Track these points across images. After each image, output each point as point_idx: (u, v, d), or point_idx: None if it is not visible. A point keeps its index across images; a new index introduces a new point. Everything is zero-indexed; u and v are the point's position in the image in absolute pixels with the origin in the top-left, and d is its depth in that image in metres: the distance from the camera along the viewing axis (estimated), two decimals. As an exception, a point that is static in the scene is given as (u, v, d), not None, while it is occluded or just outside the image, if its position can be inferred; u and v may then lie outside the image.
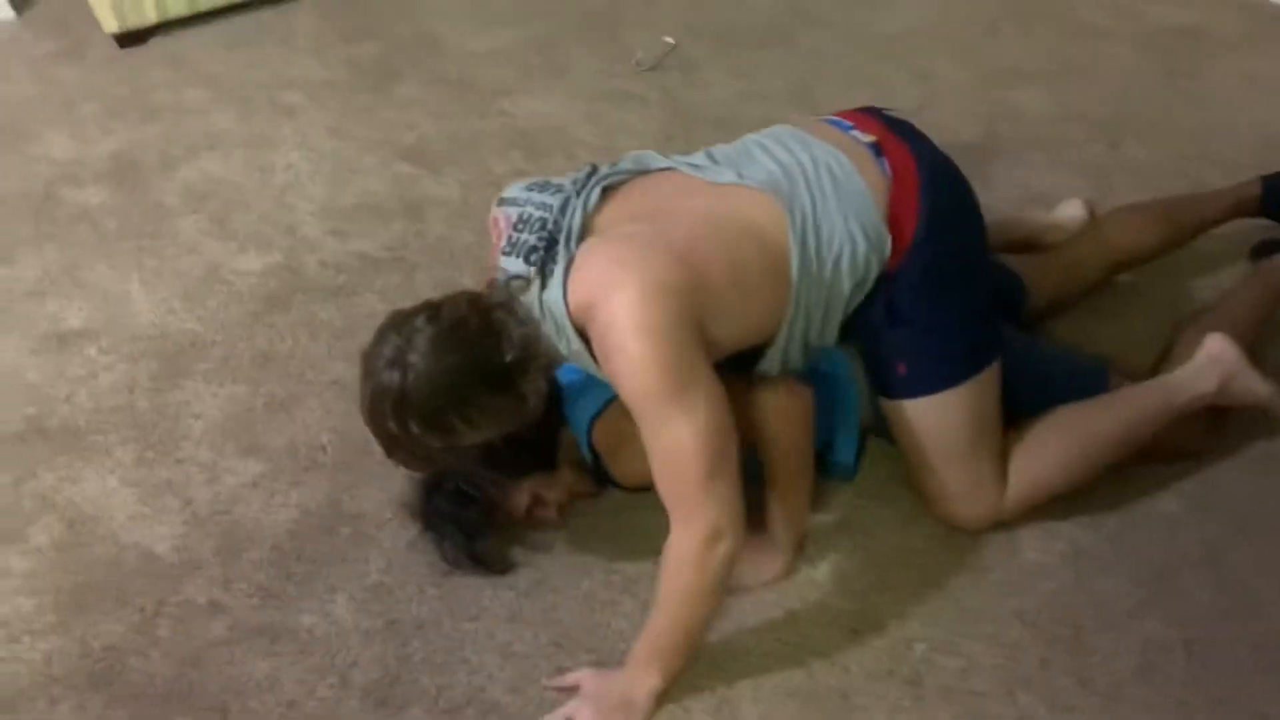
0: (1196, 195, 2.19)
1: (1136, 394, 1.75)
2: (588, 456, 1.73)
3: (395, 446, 1.51)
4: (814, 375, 1.69)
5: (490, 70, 2.94)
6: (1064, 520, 1.75)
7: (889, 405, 1.69)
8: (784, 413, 1.60)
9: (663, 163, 1.66)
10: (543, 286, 1.50)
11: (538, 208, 1.58)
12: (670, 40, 3.01)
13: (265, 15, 3.13)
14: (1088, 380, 1.79)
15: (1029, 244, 2.16)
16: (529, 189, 1.64)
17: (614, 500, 1.79)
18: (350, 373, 2.00)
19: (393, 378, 1.44)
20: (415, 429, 1.45)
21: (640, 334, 1.40)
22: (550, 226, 1.53)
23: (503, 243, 1.59)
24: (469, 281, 2.23)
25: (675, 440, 1.41)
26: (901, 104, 2.69)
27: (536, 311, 1.50)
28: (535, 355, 1.48)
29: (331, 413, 1.98)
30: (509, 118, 2.75)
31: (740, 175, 1.59)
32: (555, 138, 2.67)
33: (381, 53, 3.04)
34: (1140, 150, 2.59)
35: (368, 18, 3.20)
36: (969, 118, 2.72)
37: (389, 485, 1.83)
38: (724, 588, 1.49)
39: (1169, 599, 1.64)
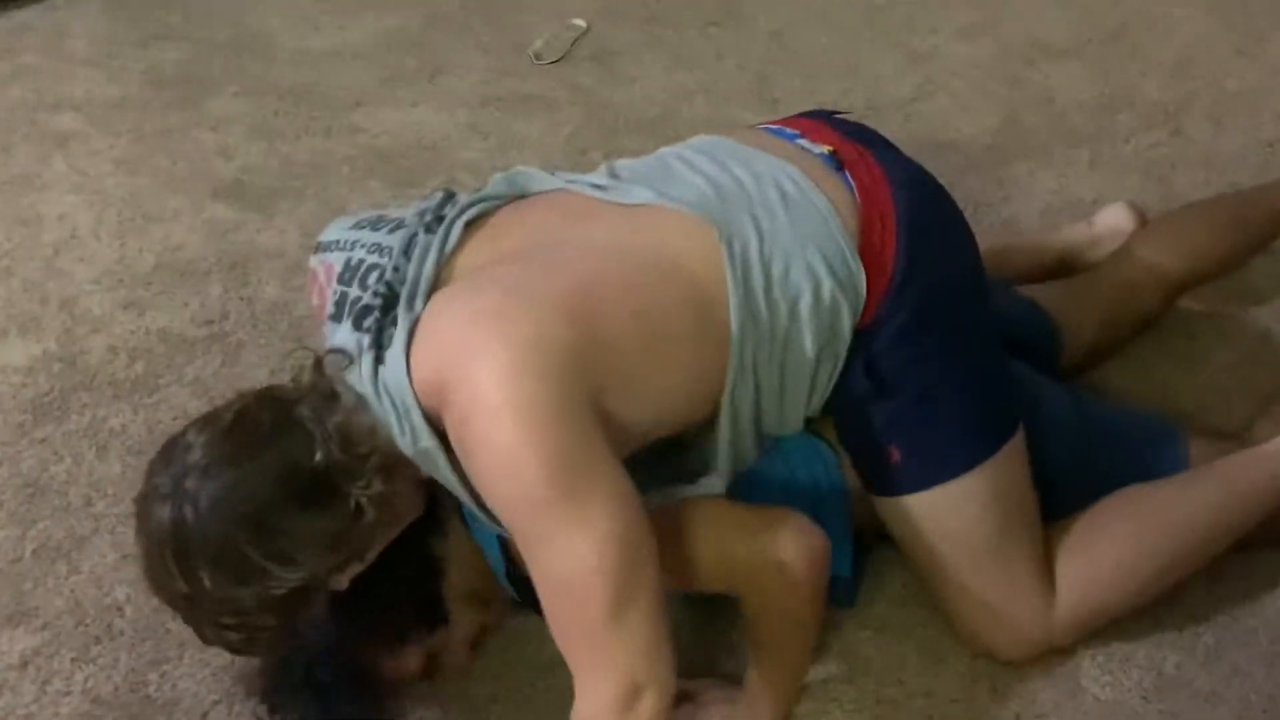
0: (1270, 186, 2.22)
1: (1228, 468, 1.75)
2: (500, 568, 1.68)
3: (198, 618, 1.46)
4: (786, 464, 1.67)
5: (338, 75, 2.95)
6: (1138, 640, 1.73)
7: (885, 505, 1.67)
8: (787, 567, 1.52)
9: (550, 183, 1.65)
10: (378, 361, 1.46)
11: (370, 251, 1.55)
12: (580, 23, 3.04)
13: (27, 14, 3.11)
14: (1156, 450, 1.79)
15: (1063, 267, 2.17)
16: (357, 226, 1.62)
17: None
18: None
19: (163, 515, 1.40)
20: (208, 580, 1.38)
21: (511, 417, 1.34)
22: (389, 277, 1.50)
23: (326, 304, 1.56)
24: (316, 362, 2.21)
25: (566, 564, 1.36)
26: (894, 94, 2.77)
27: (372, 398, 1.45)
28: (363, 451, 1.42)
29: (130, 558, 1.91)
30: (364, 135, 2.75)
31: (658, 194, 1.57)
32: (428, 159, 2.67)
33: (190, 58, 3.03)
34: (1208, 137, 2.63)
35: (171, 14, 3.20)
36: (983, 107, 2.75)
37: (213, 653, 1.77)
38: None
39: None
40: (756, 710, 1.64)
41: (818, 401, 1.61)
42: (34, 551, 1.95)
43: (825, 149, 1.64)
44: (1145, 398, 2.05)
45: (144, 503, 1.45)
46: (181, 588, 1.41)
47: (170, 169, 2.69)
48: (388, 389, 1.44)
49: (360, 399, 1.44)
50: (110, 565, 1.92)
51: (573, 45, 2.99)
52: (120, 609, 1.87)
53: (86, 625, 1.85)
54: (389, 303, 1.48)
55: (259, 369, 2.21)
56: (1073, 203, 2.36)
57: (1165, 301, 2.09)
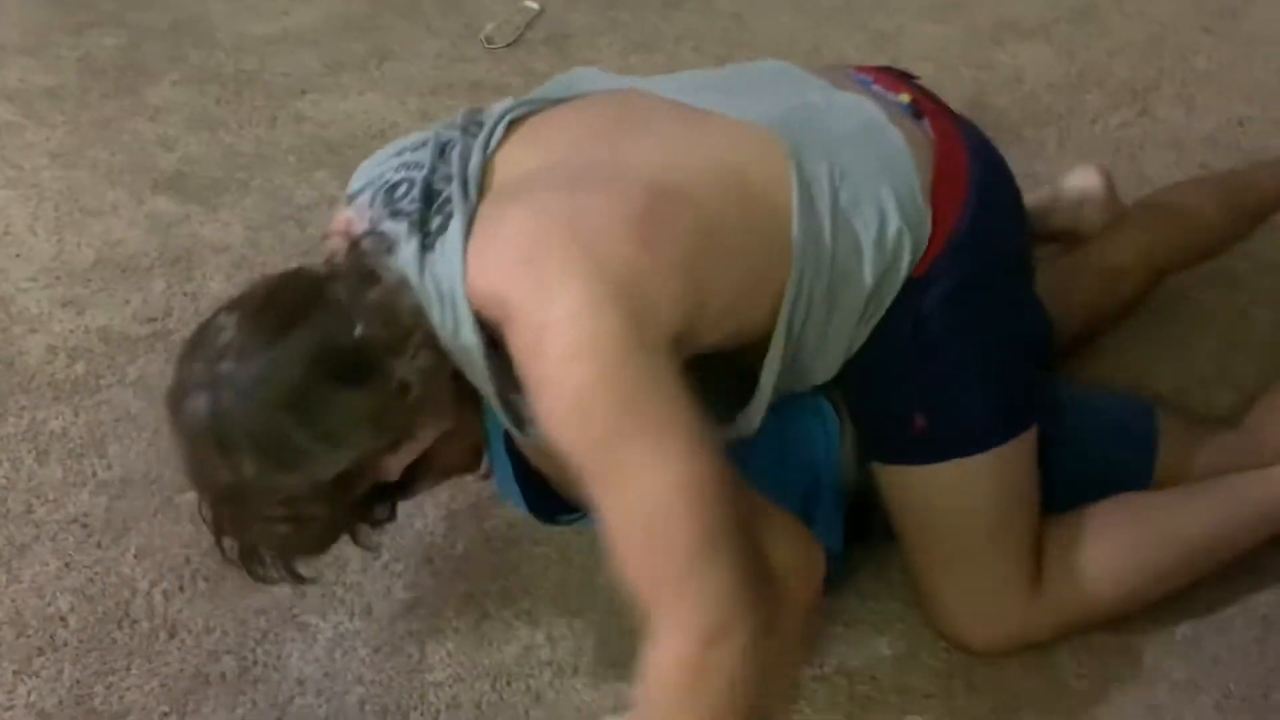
0: (1259, 166, 2.24)
1: (1234, 486, 1.75)
2: (497, 467, 1.65)
3: (246, 514, 1.41)
4: (785, 426, 1.65)
5: (282, 61, 2.93)
6: (1115, 631, 1.73)
7: (890, 474, 1.66)
8: (779, 582, 1.45)
9: (607, 83, 1.61)
10: (425, 248, 1.40)
11: (399, 170, 1.50)
12: (533, 5, 3.03)
13: (-48, 1, 3.09)
14: (1130, 423, 1.81)
15: (1065, 237, 2.16)
16: (378, 163, 1.56)
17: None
18: (96, 503, 1.97)
19: (200, 404, 1.34)
20: (253, 468, 1.33)
21: (589, 357, 1.32)
22: (426, 177, 1.45)
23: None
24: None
25: (646, 507, 1.33)
26: (856, 74, 2.76)
27: (416, 281, 1.39)
28: (405, 325, 1.37)
29: (73, 565, 1.90)
30: (310, 124, 2.74)
31: (727, 104, 1.52)
32: (377, 148, 2.59)
33: (127, 45, 3.01)
34: (1178, 117, 2.65)
35: (104, 1, 3.16)
36: (950, 87, 2.71)
37: (162, 663, 1.76)
38: (748, 696, 1.37)
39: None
40: None
41: (853, 349, 1.57)
42: (-29, 561, 1.93)
43: (904, 97, 1.63)
44: (1123, 384, 2.06)
45: (178, 394, 1.40)
46: (226, 478, 1.36)
47: (109, 161, 2.66)
48: (435, 276, 1.38)
49: (403, 280, 1.39)
50: (52, 574, 1.90)
51: (526, 28, 2.98)
52: (64, 619, 1.85)
53: (28, 636, 1.83)
54: (429, 197, 1.44)
55: (204, 367, 2.19)
56: (1042, 184, 2.37)
57: (1148, 285, 2.09)
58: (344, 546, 1.86)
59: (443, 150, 1.49)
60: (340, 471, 1.37)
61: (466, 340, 1.38)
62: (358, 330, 1.35)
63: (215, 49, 2.98)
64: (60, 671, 1.78)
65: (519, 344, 1.36)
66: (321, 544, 1.53)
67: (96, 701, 1.75)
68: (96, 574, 1.88)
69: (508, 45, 2.94)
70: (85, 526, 1.96)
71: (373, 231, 1.44)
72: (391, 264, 1.40)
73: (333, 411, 1.35)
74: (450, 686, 1.74)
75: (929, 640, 1.74)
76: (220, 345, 1.36)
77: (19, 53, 2.97)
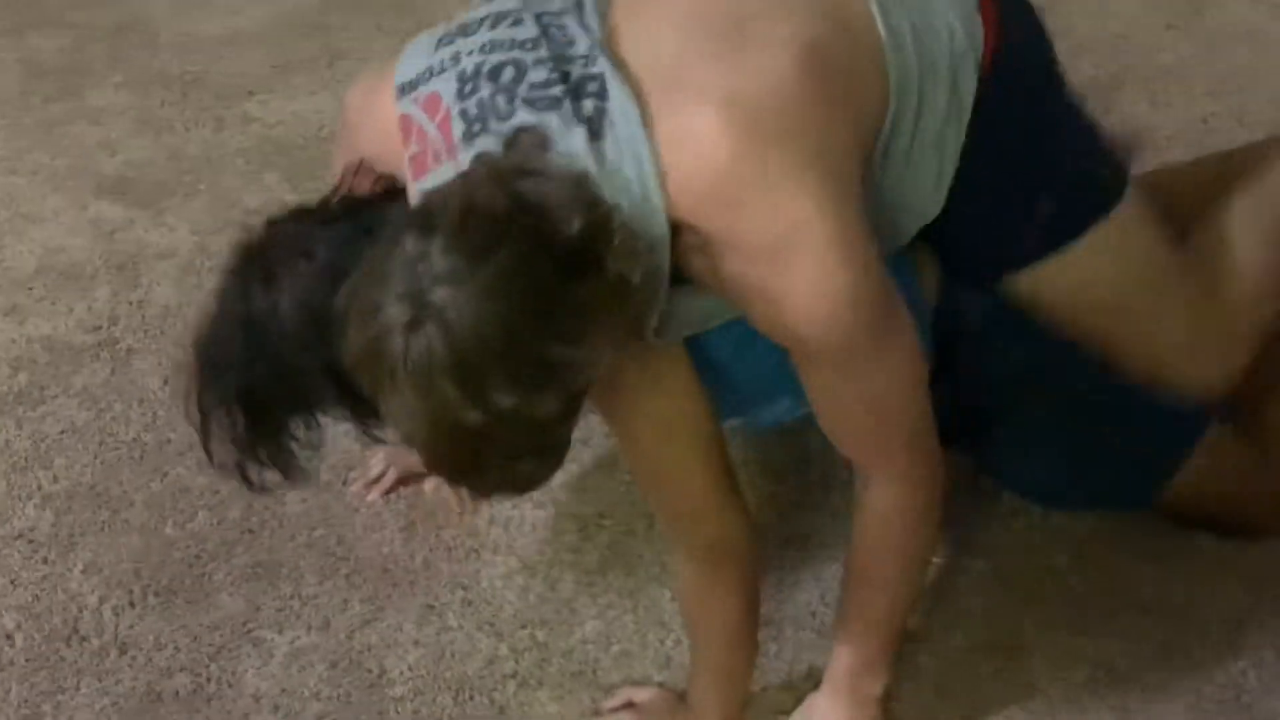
0: (1249, 148, 2.20)
1: None
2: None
3: (489, 458, 1.28)
4: None
5: (229, 62, 2.93)
6: (1088, 635, 1.76)
7: (1032, 279, 1.64)
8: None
9: None
10: (594, 136, 1.29)
11: (484, 51, 1.35)
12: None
13: (-113, 2, 3.06)
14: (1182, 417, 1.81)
15: None
16: (442, 44, 1.40)
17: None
18: (42, 518, 1.96)
19: (423, 344, 1.19)
20: (506, 395, 1.20)
21: (838, 257, 1.32)
22: (544, 54, 1.33)
23: (438, 140, 1.36)
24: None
25: (890, 382, 1.43)
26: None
27: (594, 171, 1.29)
28: (608, 217, 1.25)
29: (18, 583, 1.88)
30: (259, 126, 2.74)
31: None
32: (327, 148, 2.62)
33: (70, 46, 3.00)
34: (1143, 114, 2.68)
35: (49, 2, 3.15)
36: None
37: (112, 679, 1.75)
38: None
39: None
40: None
41: (947, 171, 1.55)
42: (-88, 578, 1.91)
43: None
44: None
45: (380, 348, 1.22)
46: (474, 419, 1.21)
47: (50, 165, 2.65)
48: (614, 168, 1.29)
49: (585, 173, 1.27)
50: (-4, 591, 1.89)
51: (480, 28, 2.97)
52: (10, 637, 1.83)
53: (-27, 656, 1.82)
54: (565, 76, 1.32)
55: (151, 376, 2.18)
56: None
57: None
58: (302, 558, 1.89)
59: (546, 30, 1.36)
60: (586, 380, 1.28)
61: (657, 233, 1.31)
62: (573, 226, 1.22)
63: (160, 50, 2.98)
64: (8, 691, 1.76)
65: (748, 248, 1.31)
66: (553, 473, 1.40)
67: (44, 722, 1.74)
68: (43, 590, 1.87)
69: (461, 45, 2.93)
70: (31, 542, 1.94)
71: (524, 128, 1.30)
72: (558, 158, 1.28)
73: (573, 312, 1.23)
74: (411, 701, 1.73)
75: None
76: (425, 267, 1.20)
77: (-45, 57, 2.97)
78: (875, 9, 1.43)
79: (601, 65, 1.32)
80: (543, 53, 1.33)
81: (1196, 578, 1.82)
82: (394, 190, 1.47)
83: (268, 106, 2.79)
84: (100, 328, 2.29)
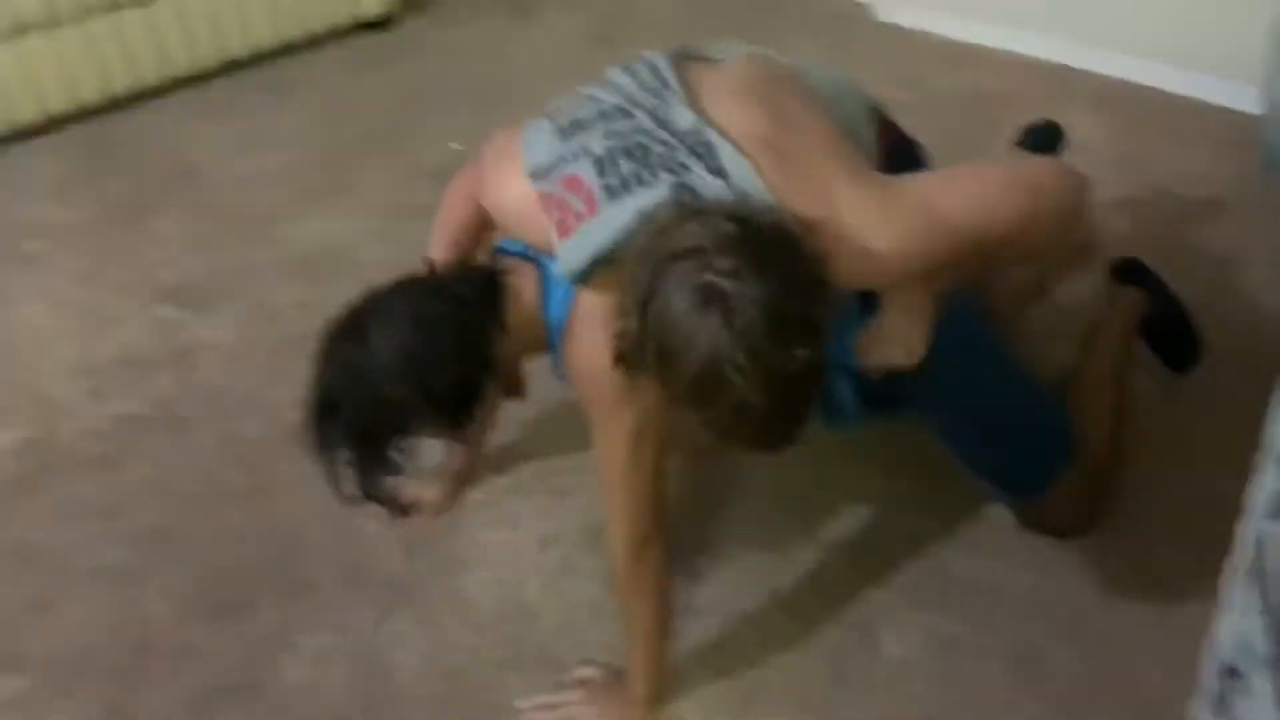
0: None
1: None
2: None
3: (781, 407, 1.25)
4: None
5: (260, 195, 2.93)
6: (921, 609, 1.79)
7: None
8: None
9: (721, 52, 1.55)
10: (722, 178, 1.32)
11: (609, 138, 1.37)
12: (459, 146, 3.06)
13: (-8, 158, 3.05)
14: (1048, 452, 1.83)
15: None
16: (562, 138, 1.41)
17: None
18: (124, 554, 1.95)
19: (741, 320, 1.18)
20: (804, 350, 1.21)
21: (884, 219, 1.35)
22: (670, 133, 1.36)
23: (580, 210, 1.34)
24: (253, 433, 2.18)
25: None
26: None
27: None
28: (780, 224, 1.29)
29: (104, 607, 1.87)
30: (285, 244, 2.74)
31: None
32: (340, 260, 2.66)
33: (133, 187, 2.99)
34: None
35: (114, 153, 3.15)
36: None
37: (176, 683, 1.75)
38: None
39: (1041, 680, 1.70)
40: (631, 697, 1.66)
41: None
42: (24, 607, 1.89)
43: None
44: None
45: (714, 344, 1.19)
46: (793, 368, 1.21)
47: (122, 279, 2.64)
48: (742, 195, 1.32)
49: (739, 195, 1.31)
50: (85, 614, 1.86)
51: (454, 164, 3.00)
52: (99, 648, 1.81)
53: (65, 665, 1.79)
54: (686, 148, 1.35)
55: (206, 440, 2.18)
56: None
57: None
58: (325, 577, 1.88)
59: (639, 112, 1.39)
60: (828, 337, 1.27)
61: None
62: (768, 220, 1.27)
63: (206, 187, 2.98)
64: (100, 692, 1.75)
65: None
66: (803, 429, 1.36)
67: (129, 712, 1.72)
68: (125, 611, 1.87)
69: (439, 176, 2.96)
70: (116, 572, 1.93)
71: (675, 184, 1.33)
72: (711, 196, 1.32)
73: (810, 280, 1.25)
74: (414, 687, 1.73)
75: (783, 626, 1.78)
76: (713, 281, 1.20)
77: (44, 197, 2.96)
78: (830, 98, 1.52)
79: (708, 134, 1.34)
80: (664, 134, 1.35)
81: (1002, 559, 1.85)
82: (467, 267, 1.58)
83: (292, 228, 2.79)
84: (163, 404, 2.28)
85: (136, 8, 3.26)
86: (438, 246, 1.67)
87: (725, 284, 1.19)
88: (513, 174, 1.45)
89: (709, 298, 1.19)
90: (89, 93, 3.25)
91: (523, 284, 1.57)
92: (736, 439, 1.30)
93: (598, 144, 1.37)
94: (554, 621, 1.80)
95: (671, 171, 1.33)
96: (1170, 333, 2.14)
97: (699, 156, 1.33)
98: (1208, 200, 2.67)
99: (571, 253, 1.36)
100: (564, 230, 1.36)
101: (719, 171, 1.32)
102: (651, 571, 1.58)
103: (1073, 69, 3.25)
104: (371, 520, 1.95)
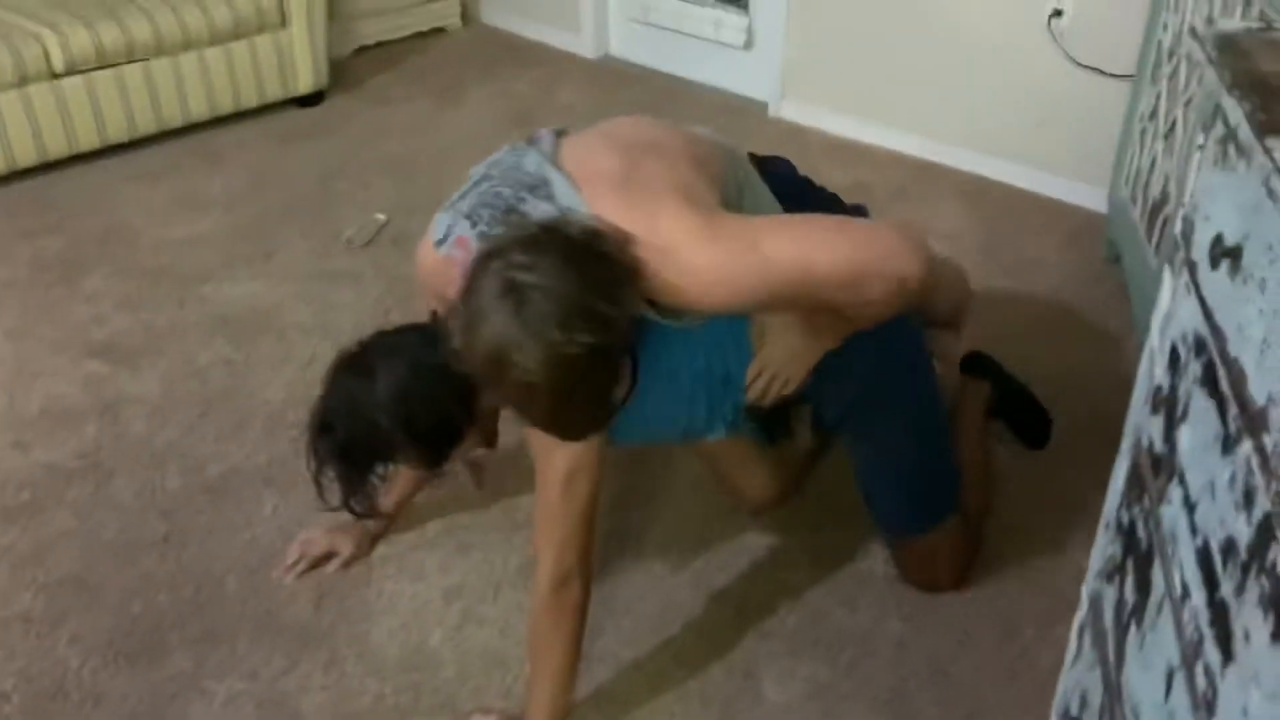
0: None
1: None
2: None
3: (586, 388, 1.36)
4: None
5: (190, 257, 2.87)
6: (800, 657, 1.80)
7: None
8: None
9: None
10: (550, 201, 1.47)
11: (481, 196, 1.52)
12: (381, 217, 3.05)
13: (-74, 213, 2.94)
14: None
15: None
16: (452, 210, 1.56)
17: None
18: (37, 603, 1.87)
19: (530, 309, 1.30)
20: (588, 337, 1.30)
21: (708, 243, 1.45)
22: (516, 180, 1.50)
23: (468, 256, 1.45)
24: (173, 484, 2.12)
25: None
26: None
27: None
28: (597, 233, 1.39)
29: (16, 654, 1.79)
30: (211, 304, 2.68)
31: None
32: (264, 320, 2.62)
33: (67, 246, 2.91)
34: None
35: (51, 213, 3.07)
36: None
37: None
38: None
39: (910, 723, 1.72)
40: None
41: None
42: (-69, 653, 1.79)
43: None
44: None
45: (500, 327, 1.31)
46: (576, 352, 1.31)
47: (52, 335, 2.56)
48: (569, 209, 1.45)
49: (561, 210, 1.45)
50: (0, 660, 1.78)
51: (377, 233, 2.99)
52: (7, 696, 1.73)
53: None
54: (527, 187, 1.49)
55: (126, 491, 2.11)
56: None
57: None
58: (237, 625, 1.83)
59: (508, 170, 1.54)
60: (622, 336, 1.36)
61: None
62: (576, 229, 1.37)
63: (138, 249, 2.91)
64: (5, 737, 1.67)
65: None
66: (606, 422, 1.49)
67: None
68: (36, 658, 1.78)
69: (363, 245, 2.94)
70: (27, 620, 1.85)
71: (509, 212, 1.48)
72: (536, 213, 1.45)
73: (605, 278, 1.35)
74: (319, 730, 1.69)
75: (670, 679, 1.78)
76: (513, 274, 1.32)
77: (-21, 252, 2.86)
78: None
79: (548, 173, 1.48)
80: (513, 180, 1.51)
81: (872, 614, 1.88)
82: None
83: (219, 290, 2.74)
84: (86, 455, 2.21)
85: (76, 75, 3.20)
86: (424, 298, 1.74)
87: (520, 276, 1.30)
88: (427, 249, 1.62)
89: (506, 288, 1.30)
90: (24, 156, 3.17)
91: None
92: (532, 419, 1.40)
93: (467, 205, 1.54)
94: (455, 670, 1.77)
95: (513, 208, 1.48)
96: (1022, 414, 2.22)
97: (534, 190, 1.47)
98: (1058, 286, 2.77)
99: None
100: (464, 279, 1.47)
101: (549, 198, 1.46)
102: (569, 608, 1.57)
103: (943, 166, 3.37)
104: (283, 570, 1.92)
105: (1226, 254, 0.83)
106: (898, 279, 1.45)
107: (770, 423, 1.85)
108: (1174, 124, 2.36)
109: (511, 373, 1.30)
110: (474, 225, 1.51)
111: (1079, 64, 3.02)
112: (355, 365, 1.57)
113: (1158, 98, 2.53)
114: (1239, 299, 0.82)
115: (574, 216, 1.41)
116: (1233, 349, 0.82)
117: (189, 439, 2.24)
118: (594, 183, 1.46)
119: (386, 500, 1.88)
